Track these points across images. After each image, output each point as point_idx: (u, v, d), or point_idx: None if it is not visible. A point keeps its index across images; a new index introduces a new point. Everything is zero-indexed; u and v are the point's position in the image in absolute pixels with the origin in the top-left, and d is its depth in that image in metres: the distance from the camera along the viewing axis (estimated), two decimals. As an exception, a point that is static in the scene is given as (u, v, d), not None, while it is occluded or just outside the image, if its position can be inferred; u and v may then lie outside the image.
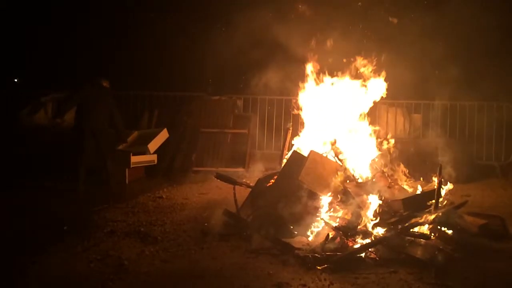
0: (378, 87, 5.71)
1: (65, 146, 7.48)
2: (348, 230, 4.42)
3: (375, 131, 5.71)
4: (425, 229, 4.49)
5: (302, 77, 5.95)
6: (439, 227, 4.53)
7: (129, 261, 4.08)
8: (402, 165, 5.53)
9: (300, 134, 6.07)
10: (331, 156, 5.41)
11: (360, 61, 5.76)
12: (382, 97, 5.80)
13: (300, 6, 7.71)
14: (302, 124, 6.09)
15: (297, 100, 6.07)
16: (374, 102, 5.81)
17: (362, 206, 4.67)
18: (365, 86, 5.73)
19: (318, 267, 3.94)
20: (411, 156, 7.61)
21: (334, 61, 5.84)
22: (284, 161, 5.79)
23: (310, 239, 4.55)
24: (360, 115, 5.74)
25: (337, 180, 4.97)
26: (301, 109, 5.98)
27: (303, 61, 5.93)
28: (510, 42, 8.67)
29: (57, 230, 4.91)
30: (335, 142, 5.48)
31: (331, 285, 3.67)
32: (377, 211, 4.62)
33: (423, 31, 7.83)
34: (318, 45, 5.93)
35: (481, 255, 4.32)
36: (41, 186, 6.95)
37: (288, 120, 8.23)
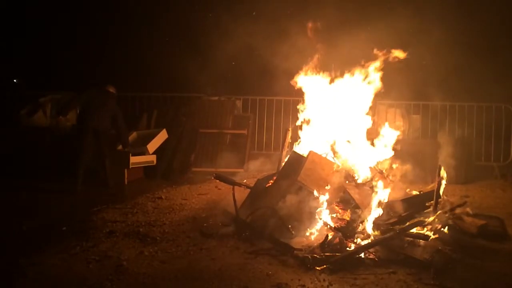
0: (377, 87, 5.72)
1: (64, 147, 7.48)
2: (347, 230, 4.42)
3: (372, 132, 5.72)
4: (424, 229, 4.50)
5: (302, 77, 5.96)
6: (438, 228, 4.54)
7: (128, 261, 4.07)
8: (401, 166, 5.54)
9: (299, 135, 6.08)
10: (330, 156, 5.42)
11: (359, 63, 5.77)
12: (381, 97, 5.81)
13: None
14: (302, 125, 6.09)
15: (297, 100, 6.09)
16: (374, 103, 5.82)
17: (361, 206, 4.68)
18: (365, 86, 5.74)
19: (317, 268, 3.94)
20: (410, 157, 7.61)
21: (333, 62, 5.85)
22: (284, 162, 5.79)
23: (309, 239, 4.56)
24: (360, 115, 5.74)
25: (336, 180, 4.98)
26: (301, 111, 6.00)
27: (303, 60, 5.94)
28: (508, 43, 8.69)
29: (56, 230, 4.90)
30: (334, 143, 5.48)
31: (330, 286, 3.67)
32: (376, 212, 4.63)
33: (421, 31, 7.85)
34: (317, 45, 5.93)
35: (480, 255, 4.34)
36: (40, 186, 6.93)
37: (287, 120, 8.24)
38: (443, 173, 4.75)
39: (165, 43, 10.89)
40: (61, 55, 11.67)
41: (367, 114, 5.76)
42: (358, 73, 5.73)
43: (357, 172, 5.33)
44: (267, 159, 7.62)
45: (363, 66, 5.71)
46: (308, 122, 5.91)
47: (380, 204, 4.72)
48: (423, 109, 8.94)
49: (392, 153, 5.49)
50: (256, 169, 7.37)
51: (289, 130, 6.28)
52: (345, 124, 5.65)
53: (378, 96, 5.82)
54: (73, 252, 4.27)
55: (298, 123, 5.98)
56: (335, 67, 5.85)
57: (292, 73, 6.01)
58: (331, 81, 5.85)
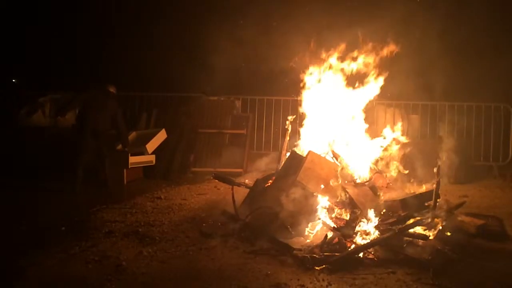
0: (376, 86, 5.73)
1: (63, 146, 7.48)
2: (346, 230, 4.42)
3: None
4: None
5: (301, 77, 5.96)
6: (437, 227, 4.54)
7: (127, 261, 4.07)
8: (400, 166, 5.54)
9: (298, 135, 6.08)
10: (329, 156, 5.42)
11: (358, 61, 5.78)
12: (380, 97, 5.82)
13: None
14: (301, 125, 6.09)
15: (296, 100, 6.10)
16: (372, 102, 5.83)
17: (360, 206, 4.68)
18: (364, 85, 5.74)
19: (316, 268, 3.95)
20: (408, 157, 7.61)
21: (333, 61, 5.85)
22: (283, 161, 5.79)
23: (308, 239, 4.56)
24: (358, 115, 5.74)
25: (335, 180, 4.98)
26: (299, 111, 6.01)
27: (301, 61, 5.94)
28: (508, 42, 8.69)
29: (55, 230, 4.90)
30: (333, 142, 5.48)
31: (329, 286, 3.68)
32: (375, 212, 4.63)
33: (420, 31, 7.85)
34: (316, 44, 5.94)
35: (479, 255, 4.34)
36: (39, 186, 6.93)
37: (286, 120, 8.23)
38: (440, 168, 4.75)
39: (165, 43, 10.88)
40: (61, 55, 11.65)
41: (366, 113, 5.77)
42: (357, 72, 5.74)
43: (356, 172, 5.33)
44: (267, 159, 7.62)
45: (361, 64, 5.72)
46: (306, 122, 5.93)
47: (379, 203, 4.73)
48: (422, 109, 8.95)
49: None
50: (255, 169, 7.36)
51: (288, 130, 6.28)
52: (344, 123, 5.66)
53: (377, 96, 5.82)
54: (72, 252, 4.27)
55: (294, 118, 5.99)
56: (333, 65, 5.85)
57: (291, 73, 6.01)
58: (330, 79, 5.85)
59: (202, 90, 9.42)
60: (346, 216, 4.69)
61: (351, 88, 5.76)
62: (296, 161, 5.28)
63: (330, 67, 5.81)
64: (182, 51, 10.23)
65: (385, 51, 5.69)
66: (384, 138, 5.50)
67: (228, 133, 8.77)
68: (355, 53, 5.76)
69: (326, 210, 4.81)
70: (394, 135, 5.52)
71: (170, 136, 8.12)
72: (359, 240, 4.38)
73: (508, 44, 8.70)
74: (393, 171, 5.35)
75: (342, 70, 5.81)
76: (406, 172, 5.45)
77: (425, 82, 8.18)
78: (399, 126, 5.67)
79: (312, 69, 5.91)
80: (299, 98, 6.02)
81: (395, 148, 5.47)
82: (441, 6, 7.85)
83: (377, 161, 5.50)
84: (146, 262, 4.09)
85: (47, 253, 4.21)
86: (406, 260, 4.11)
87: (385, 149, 5.50)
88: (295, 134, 6.33)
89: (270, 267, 4.00)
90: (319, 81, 5.87)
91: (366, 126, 5.71)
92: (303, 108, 5.97)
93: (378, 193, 5.01)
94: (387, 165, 5.46)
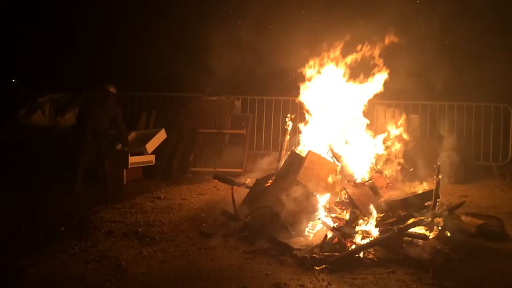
0: (376, 86, 5.73)
1: (63, 147, 7.48)
2: (346, 230, 4.42)
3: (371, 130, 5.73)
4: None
5: (301, 77, 5.96)
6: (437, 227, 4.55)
7: (127, 261, 4.07)
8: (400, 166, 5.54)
9: (298, 134, 6.09)
10: (329, 156, 5.42)
11: (357, 61, 5.78)
12: (380, 97, 5.82)
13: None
14: (302, 121, 6.10)
15: (296, 100, 6.11)
16: (372, 102, 5.83)
17: (359, 206, 4.68)
18: (364, 85, 5.75)
19: (316, 268, 3.95)
20: (408, 157, 7.62)
21: (332, 60, 5.85)
22: (283, 161, 5.79)
23: (308, 239, 4.56)
24: (358, 115, 5.74)
25: (335, 180, 4.98)
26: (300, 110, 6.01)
27: (301, 61, 5.94)
28: (507, 43, 8.69)
29: (55, 230, 4.90)
30: (333, 142, 5.49)
31: (329, 286, 3.68)
32: (375, 212, 4.63)
33: (420, 31, 7.85)
34: (316, 45, 5.94)
35: (479, 255, 4.34)
36: (39, 186, 6.93)
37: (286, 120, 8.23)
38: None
39: (165, 43, 10.88)
40: (60, 55, 11.66)
41: (366, 112, 5.78)
42: (357, 71, 5.75)
43: (355, 172, 5.33)
44: (266, 159, 7.62)
45: (360, 63, 5.73)
46: (306, 122, 5.93)
47: (379, 203, 4.73)
48: (422, 109, 8.94)
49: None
50: (255, 169, 7.37)
51: (288, 129, 6.28)
52: (344, 123, 5.66)
53: (376, 95, 5.82)
54: (72, 252, 4.27)
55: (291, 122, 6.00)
56: (333, 65, 5.85)
57: (291, 73, 6.02)
58: (329, 78, 5.85)
59: (202, 90, 9.42)
60: (346, 216, 4.69)
61: (350, 87, 5.76)
62: (296, 161, 5.28)
63: (330, 62, 5.82)
64: (182, 51, 10.23)
65: (385, 50, 5.69)
66: (387, 133, 5.51)
67: (228, 133, 8.76)
68: (354, 53, 5.77)
69: (326, 210, 4.81)
70: (395, 131, 5.53)
71: (169, 136, 8.12)
72: (359, 240, 4.38)
73: (508, 45, 8.70)
74: (394, 169, 5.35)
75: (341, 69, 5.82)
76: (411, 169, 5.46)
77: (425, 82, 8.19)
78: (402, 120, 5.69)
79: (311, 68, 5.91)
80: (298, 98, 6.02)
81: (397, 146, 5.48)
82: (441, 6, 7.85)
83: (377, 159, 5.50)
84: (146, 262, 4.09)
85: (47, 253, 4.21)
86: (406, 260, 4.11)
87: (387, 147, 5.51)
88: (295, 133, 6.33)
89: (270, 267, 4.00)
90: (318, 80, 5.87)
91: (366, 123, 5.70)
92: (302, 105, 5.97)
93: (378, 193, 5.02)
94: (388, 163, 5.46)
